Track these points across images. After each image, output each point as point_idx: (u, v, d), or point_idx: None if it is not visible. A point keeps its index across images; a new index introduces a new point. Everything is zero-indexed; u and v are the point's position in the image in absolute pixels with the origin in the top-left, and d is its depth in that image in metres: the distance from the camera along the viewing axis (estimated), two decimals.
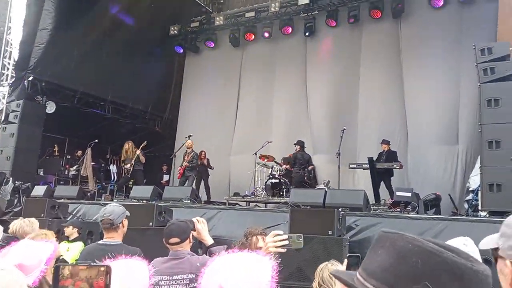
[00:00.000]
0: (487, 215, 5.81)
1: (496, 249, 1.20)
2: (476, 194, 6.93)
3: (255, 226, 2.89)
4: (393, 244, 0.83)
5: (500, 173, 5.82)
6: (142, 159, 10.82)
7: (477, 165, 6.83)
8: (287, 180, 10.17)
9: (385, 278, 0.81)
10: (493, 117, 6.12)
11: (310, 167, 10.78)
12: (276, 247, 2.47)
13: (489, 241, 1.25)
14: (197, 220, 3.32)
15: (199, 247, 4.78)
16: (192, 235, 3.25)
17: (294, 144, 10.70)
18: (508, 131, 5.92)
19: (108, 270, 1.16)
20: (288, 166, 10.55)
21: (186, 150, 10.68)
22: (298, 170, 10.33)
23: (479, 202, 6.25)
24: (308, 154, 10.93)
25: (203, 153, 11.08)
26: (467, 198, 7.86)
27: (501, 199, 5.72)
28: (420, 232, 5.30)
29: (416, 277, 0.78)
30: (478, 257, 1.91)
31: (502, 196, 5.72)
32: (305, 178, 10.46)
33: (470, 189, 7.65)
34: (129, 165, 10.77)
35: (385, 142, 9.77)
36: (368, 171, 9.57)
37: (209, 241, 3.31)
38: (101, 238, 3.62)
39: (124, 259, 1.46)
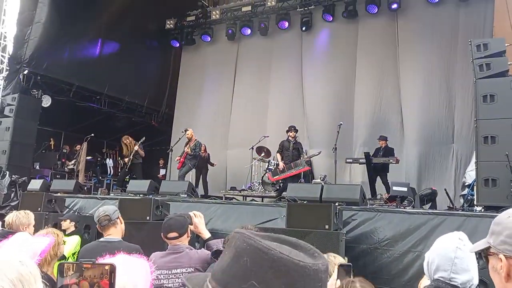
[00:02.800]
0: (482, 210, 5.85)
1: (487, 249, 1.22)
2: (472, 189, 6.96)
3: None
4: (234, 244, 0.83)
5: (495, 168, 5.84)
6: (142, 153, 10.65)
7: (473, 160, 6.86)
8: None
9: (222, 279, 0.81)
10: (488, 112, 6.14)
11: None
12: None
13: (479, 244, 1.28)
14: (194, 214, 3.33)
15: (196, 241, 4.80)
16: (190, 229, 3.26)
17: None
18: (504, 126, 5.94)
19: (112, 269, 1.14)
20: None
21: (187, 141, 10.29)
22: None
23: (475, 197, 6.29)
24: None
25: (203, 146, 10.65)
26: (463, 193, 7.90)
27: (496, 194, 5.75)
28: (416, 227, 5.35)
29: (245, 276, 0.78)
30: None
31: (497, 191, 5.76)
32: None
33: (466, 184, 7.69)
34: (127, 159, 10.71)
35: (383, 138, 9.76)
36: (365, 166, 9.61)
37: (206, 234, 3.33)
38: (98, 233, 3.63)
39: (124, 255, 1.45)
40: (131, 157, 10.51)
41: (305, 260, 0.78)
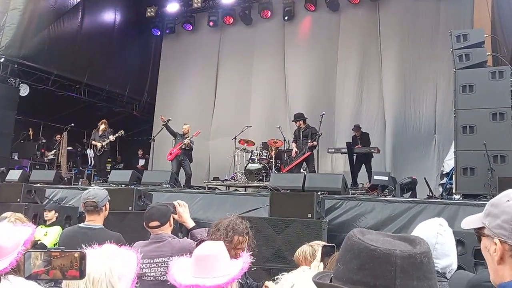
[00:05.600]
0: (461, 198, 5.99)
1: (480, 228, 1.23)
2: (450, 178, 7.11)
3: (240, 222, 2.83)
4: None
5: (473, 157, 5.97)
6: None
7: (452, 149, 6.99)
8: (266, 165, 10.18)
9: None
10: (467, 102, 6.24)
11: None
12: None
13: (472, 221, 1.26)
14: (178, 203, 3.31)
15: (179, 231, 4.79)
16: (173, 218, 3.25)
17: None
18: (482, 116, 6.05)
19: (82, 256, 1.11)
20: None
21: (183, 131, 10.16)
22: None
23: (453, 186, 6.41)
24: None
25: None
26: (442, 181, 8.05)
27: (474, 182, 5.88)
28: (396, 214, 5.44)
29: (337, 260, 0.96)
30: (451, 236, 1.99)
31: (475, 179, 5.89)
32: None
33: (444, 172, 7.84)
34: (99, 145, 10.49)
35: (357, 127, 9.94)
36: (346, 155, 9.70)
37: (190, 224, 3.32)
38: (80, 222, 3.59)
39: (110, 245, 1.43)
40: (104, 145, 10.34)
41: (378, 244, 0.89)
